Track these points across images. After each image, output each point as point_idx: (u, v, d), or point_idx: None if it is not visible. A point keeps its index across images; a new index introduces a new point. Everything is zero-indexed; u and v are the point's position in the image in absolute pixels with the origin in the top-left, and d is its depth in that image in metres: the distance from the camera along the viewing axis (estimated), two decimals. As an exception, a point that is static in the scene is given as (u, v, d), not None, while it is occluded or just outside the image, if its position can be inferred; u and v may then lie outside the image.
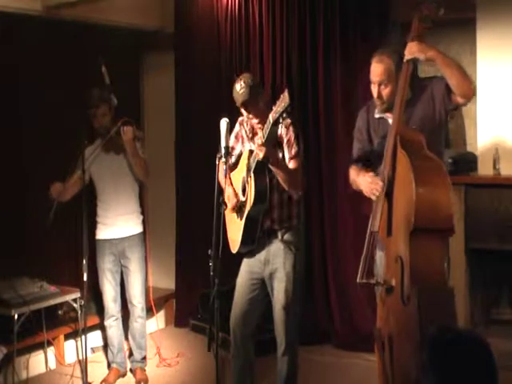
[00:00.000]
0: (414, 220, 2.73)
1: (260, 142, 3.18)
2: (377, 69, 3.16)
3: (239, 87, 3.31)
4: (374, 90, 3.19)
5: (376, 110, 3.26)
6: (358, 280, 3.12)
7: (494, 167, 4.23)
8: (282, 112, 2.95)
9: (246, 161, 3.36)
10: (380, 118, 3.26)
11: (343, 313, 4.87)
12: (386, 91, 3.14)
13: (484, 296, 4.51)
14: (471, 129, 4.67)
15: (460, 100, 3.06)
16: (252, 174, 3.27)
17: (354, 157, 3.43)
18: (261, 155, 3.14)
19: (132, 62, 5.73)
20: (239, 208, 3.42)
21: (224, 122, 3.24)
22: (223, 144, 3.23)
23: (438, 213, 2.79)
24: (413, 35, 3.01)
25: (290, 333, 3.40)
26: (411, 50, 3.00)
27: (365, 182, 3.17)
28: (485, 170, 4.29)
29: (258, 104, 3.33)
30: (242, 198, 3.39)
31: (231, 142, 3.52)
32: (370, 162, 3.29)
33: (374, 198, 3.08)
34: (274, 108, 3.01)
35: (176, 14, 5.45)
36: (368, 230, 3.09)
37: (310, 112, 4.88)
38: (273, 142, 3.29)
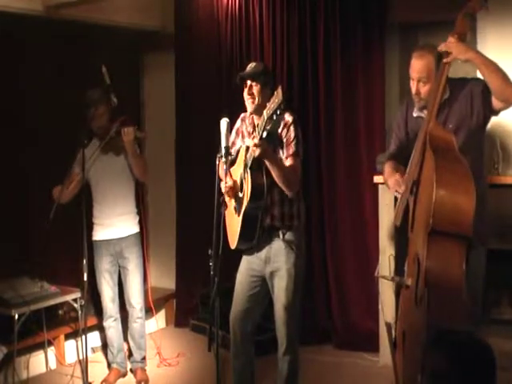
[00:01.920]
0: (433, 221, 2.65)
1: (256, 140, 3.12)
2: (416, 65, 3.07)
3: (254, 63, 3.39)
4: (413, 86, 3.10)
5: (414, 109, 3.20)
6: (375, 274, 3.15)
7: (494, 167, 4.23)
8: (276, 109, 2.93)
9: (243, 157, 3.35)
10: (418, 117, 3.19)
11: (343, 313, 4.87)
12: (424, 89, 3.06)
13: (484, 296, 4.50)
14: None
15: (499, 104, 2.97)
16: (248, 171, 3.24)
17: (391, 152, 3.43)
18: (257, 153, 3.10)
19: (132, 62, 5.73)
20: (238, 204, 3.41)
21: (224, 122, 3.24)
22: (223, 144, 3.23)
23: (459, 218, 2.67)
24: (455, 31, 2.90)
25: (292, 332, 3.39)
26: (450, 48, 2.90)
27: (391, 181, 3.20)
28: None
29: (264, 86, 3.31)
30: (240, 195, 3.38)
31: (232, 137, 3.52)
32: (405, 159, 3.23)
33: (396, 195, 3.13)
34: (268, 105, 3.00)
35: (176, 13, 5.45)
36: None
37: (310, 112, 4.88)
38: (273, 142, 3.27)
